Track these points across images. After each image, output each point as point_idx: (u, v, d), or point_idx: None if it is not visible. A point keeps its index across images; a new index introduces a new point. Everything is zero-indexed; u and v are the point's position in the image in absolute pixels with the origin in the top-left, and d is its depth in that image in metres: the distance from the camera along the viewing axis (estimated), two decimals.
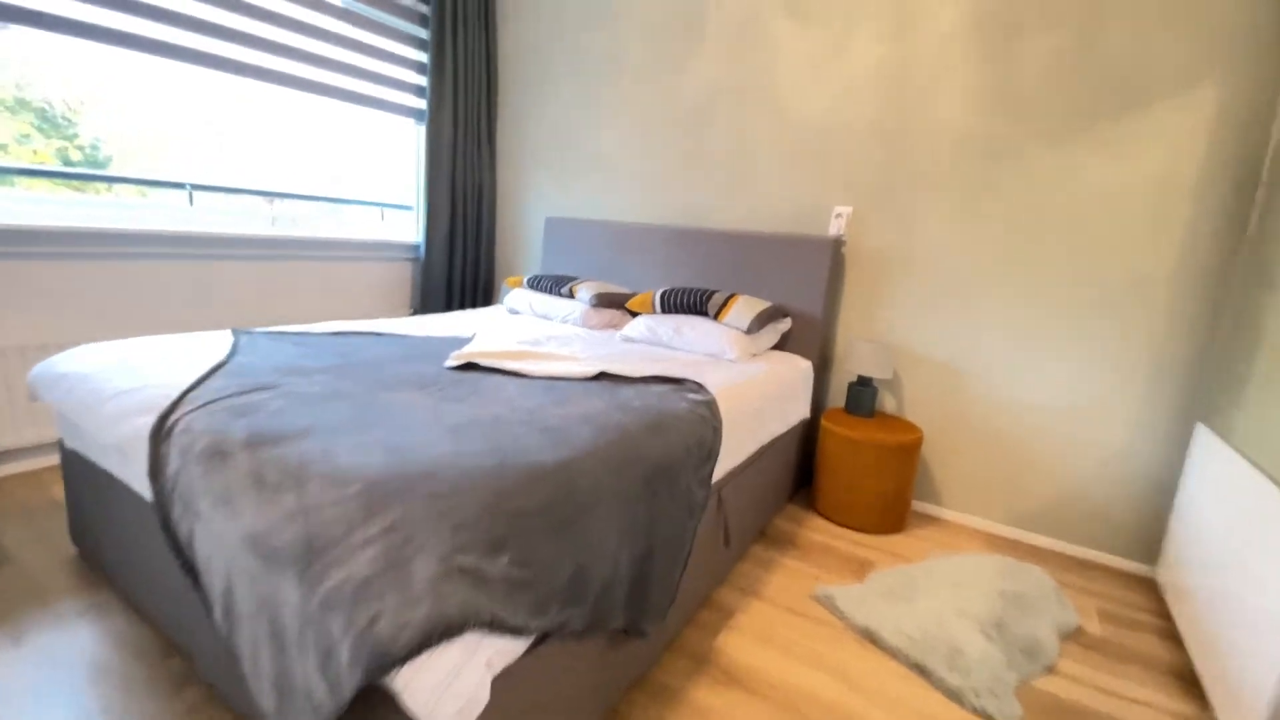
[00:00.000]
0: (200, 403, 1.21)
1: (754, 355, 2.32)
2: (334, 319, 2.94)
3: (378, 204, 3.37)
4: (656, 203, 2.99)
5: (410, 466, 1.00)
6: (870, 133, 2.46)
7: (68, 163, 2.34)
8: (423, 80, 3.17)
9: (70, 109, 2.33)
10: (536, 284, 2.87)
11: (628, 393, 1.58)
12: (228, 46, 2.46)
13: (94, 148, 2.39)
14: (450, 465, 1.02)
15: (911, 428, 2.36)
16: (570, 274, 3.13)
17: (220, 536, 0.97)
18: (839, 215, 2.54)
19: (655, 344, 2.40)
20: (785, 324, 2.51)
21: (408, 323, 2.36)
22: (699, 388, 1.69)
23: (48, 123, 2.28)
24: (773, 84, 2.63)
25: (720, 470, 1.63)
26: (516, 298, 2.91)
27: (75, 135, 2.34)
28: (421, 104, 3.19)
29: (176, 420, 1.16)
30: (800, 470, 2.58)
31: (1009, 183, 2.24)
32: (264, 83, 2.60)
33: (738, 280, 2.66)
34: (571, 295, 2.74)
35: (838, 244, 2.49)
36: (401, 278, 3.30)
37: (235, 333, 1.82)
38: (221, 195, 2.79)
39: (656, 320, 2.44)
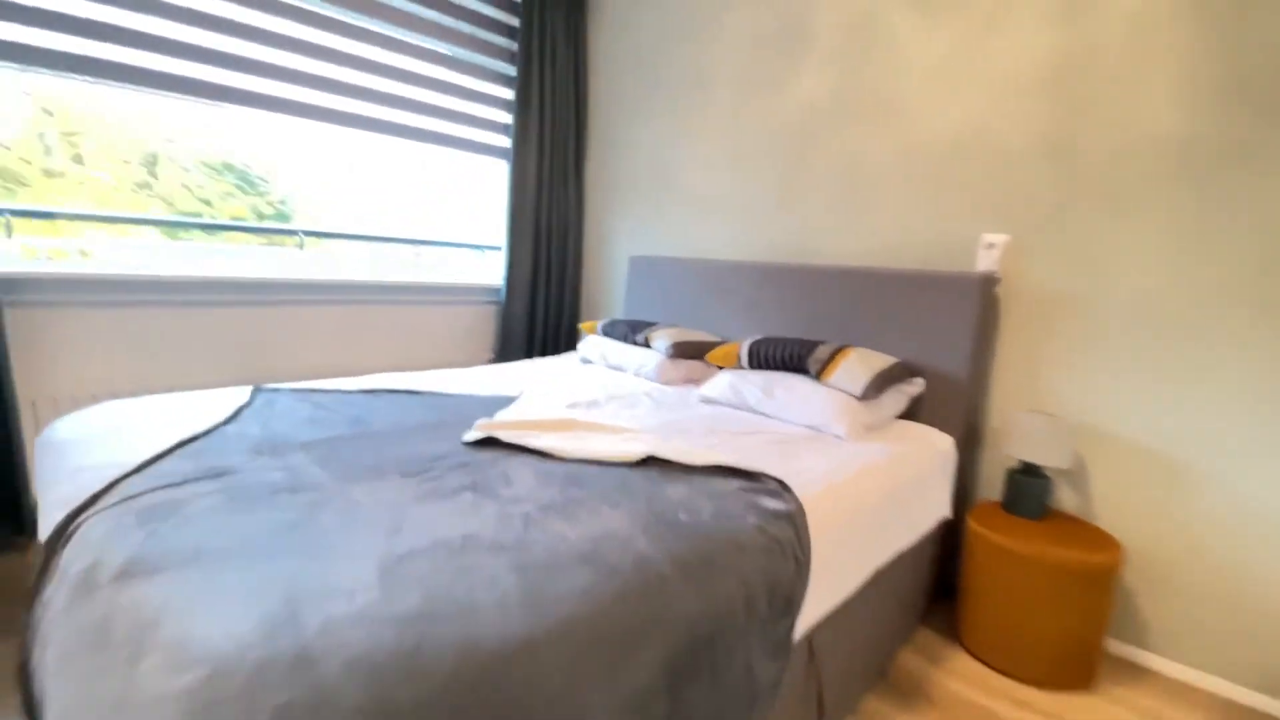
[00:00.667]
0: (120, 497, 0.97)
1: (870, 429, 1.78)
2: (414, 365, 2.78)
3: (470, 245, 3.26)
4: (752, 237, 2.56)
5: (285, 640, 0.65)
6: (1031, 144, 1.86)
7: (262, 217, 2.55)
8: (510, 118, 3.02)
9: (263, 170, 2.56)
10: (610, 330, 2.53)
11: (677, 493, 1.15)
12: (343, 100, 2.50)
13: (283, 202, 2.62)
14: (345, 642, 0.66)
15: (1105, 540, 1.67)
16: (651, 319, 2.77)
17: (61, 712, 0.69)
18: (990, 246, 1.94)
19: (739, 407, 1.94)
20: (916, 386, 1.94)
21: (455, 376, 2.11)
22: (780, 489, 1.21)
23: (247, 183, 2.48)
24: (895, 94, 2.12)
25: (810, 615, 1.13)
26: (590, 346, 2.59)
27: (268, 193, 2.56)
28: (509, 142, 3.03)
29: (81, 523, 0.92)
30: (937, 579, 1.96)
31: (1255, 198, 1.55)
32: (367, 131, 2.58)
33: (851, 328, 2.13)
34: (647, 344, 2.36)
35: (988, 282, 1.89)
36: (485, 322, 3.13)
37: (254, 390, 1.64)
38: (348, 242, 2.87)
39: (742, 378, 1.98)
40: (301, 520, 0.93)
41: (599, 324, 2.60)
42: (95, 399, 2.04)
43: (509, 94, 2.98)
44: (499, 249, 3.16)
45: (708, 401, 2.02)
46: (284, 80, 2.33)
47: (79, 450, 1.20)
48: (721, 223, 2.66)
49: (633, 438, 1.47)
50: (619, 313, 3.12)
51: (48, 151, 2.04)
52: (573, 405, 1.82)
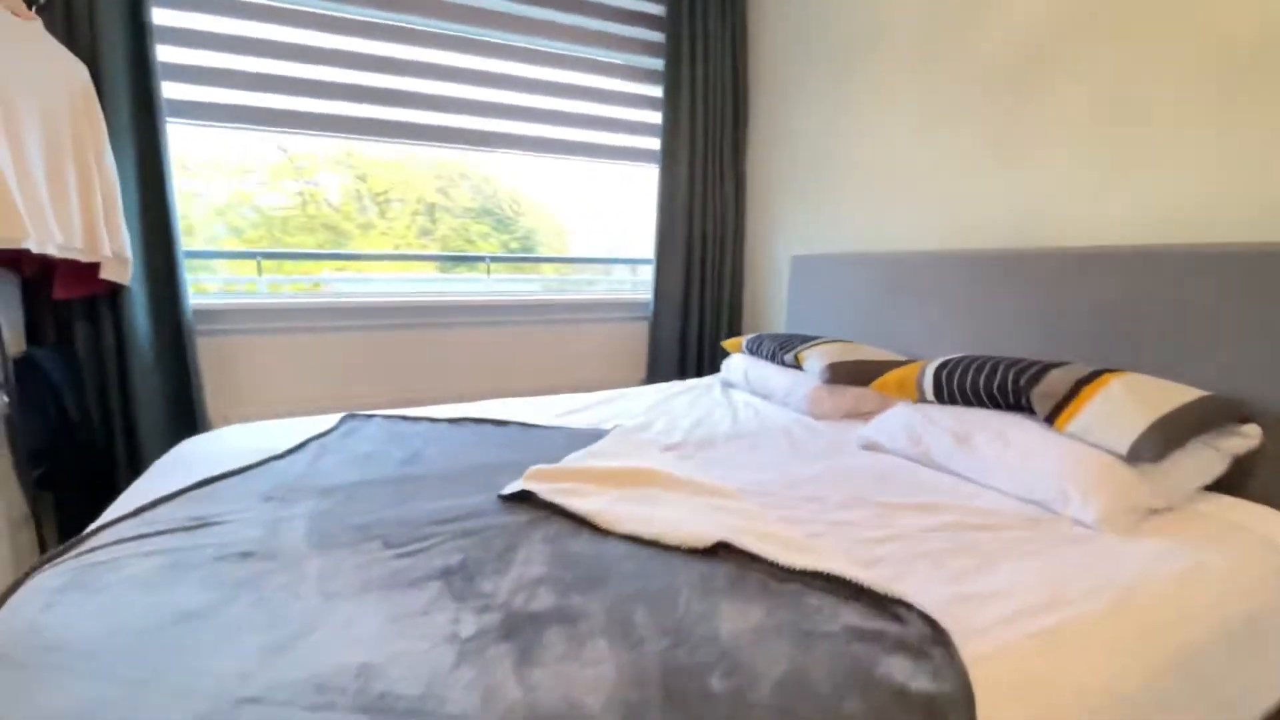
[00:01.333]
0: (89, 547, 0.87)
1: (1150, 513, 1.06)
2: (568, 386, 2.65)
3: (620, 260, 3.07)
4: (952, 217, 1.87)
5: None
6: None
7: (512, 251, 2.81)
8: (659, 117, 2.74)
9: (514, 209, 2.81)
10: (755, 347, 2.06)
11: (736, 622, 0.70)
12: (493, 123, 2.49)
13: (527, 236, 2.87)
14: None
15: None
16: (817, 332, 2.22)
17: None
18: None
19: (917, 460, 1.34)
20: (1243, 439, 1.13)
21: (563, 403, 1.86)
22: (929, 639, 0.68)
23: (501, 223, 2.78)
24: None
25: None
26: (733, 366, 2.15)
27: (517, 230, 2.83)
28: (658, 144, 2.76)
29: (38, 573, 0.83)
30: None
31: None
32: (521, 152, 2.57)
33: (1113, 344, 1.37)
34: (797, 364, 1.85)
35: None
36: (637, 340, 2.88)
37: (344, 418, 1.58)
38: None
39: (924, 417, 1.37)
40: (204, 610, 0.72)
41: (744, 340, 2.15)
42: (277, 415, 2.25)
43: (656, 91, 2.71)
44: (649, 262, 2.89)
45: (870, 448, 1.45)
46: (448, 111, 2.39)
47: (149, 479, 1.20)
48: (908, 205, 2.01)
49: (720, 505, 1.03)
50: (783, 326, 2.62)
51: (362, 209, 2.49)
52: (674, 447, 1.43)
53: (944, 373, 1.39)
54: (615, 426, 1.50)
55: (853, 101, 2.21)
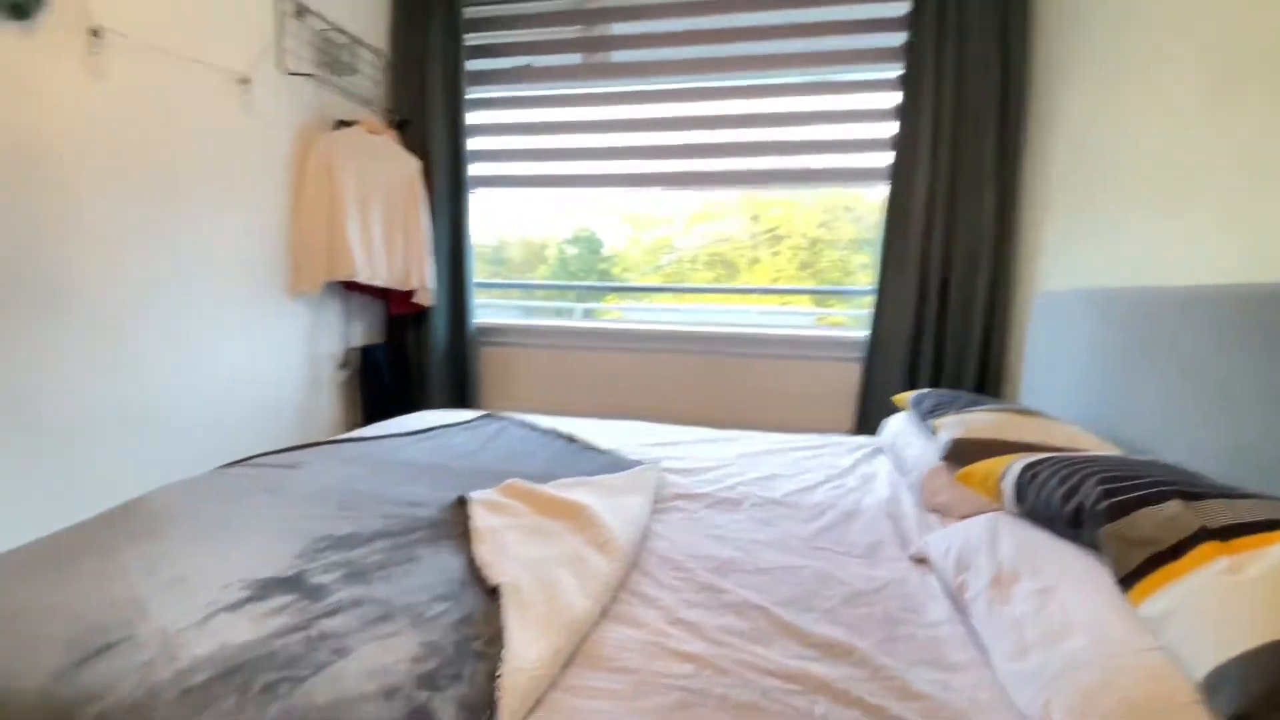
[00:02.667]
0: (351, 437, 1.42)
1: None
2: (772, 424, 2.54)
3: (832, 290, 2.74)
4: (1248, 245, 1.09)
5: None
6: None
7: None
8: (885, 130, 2.34)
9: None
10: (918, 405, 1.59)
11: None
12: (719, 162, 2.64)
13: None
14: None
15: None
16: (1051, 396, 1.58)
17: None
18: None
19: (953, 596, 0.89)
20: None
21: (675, 434, 1.83)
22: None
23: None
24: None
25: None
26: (890, 426, 1.70)
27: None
28: (887, 160, 2.35)
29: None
30: None
31: None
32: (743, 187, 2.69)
33: None
34: (934, 433, 1.37)
35: None
36: (849, 383, 2.52)
37: (483, 416, 1.95)
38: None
39: (989, 534, 0.89)
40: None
41: (911, 396, 1.68)
42: (526, 410, 2.86)
43: (886, 101, 2.33)
44: (867, 292, 2.48)
45: (918, 560, 1.02)
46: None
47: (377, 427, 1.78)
48: (1204, 220, 1.25)
49: (580, 556, 0.95)
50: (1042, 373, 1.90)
51: (755, 246, 2.95)
52: (689, 496, 1.29)
53: (1030, 473, 0.88)
54: (645, 465, 1.44)
55: (1146, 97, 1.48)
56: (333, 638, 0.75)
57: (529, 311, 3.10)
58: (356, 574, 0.91)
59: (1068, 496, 0.78)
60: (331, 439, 1.63)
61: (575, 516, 1.10)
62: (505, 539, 1.02)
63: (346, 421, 2.55)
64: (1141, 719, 0.54)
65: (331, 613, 0.80)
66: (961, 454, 1.22)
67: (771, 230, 2.87)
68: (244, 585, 0.87)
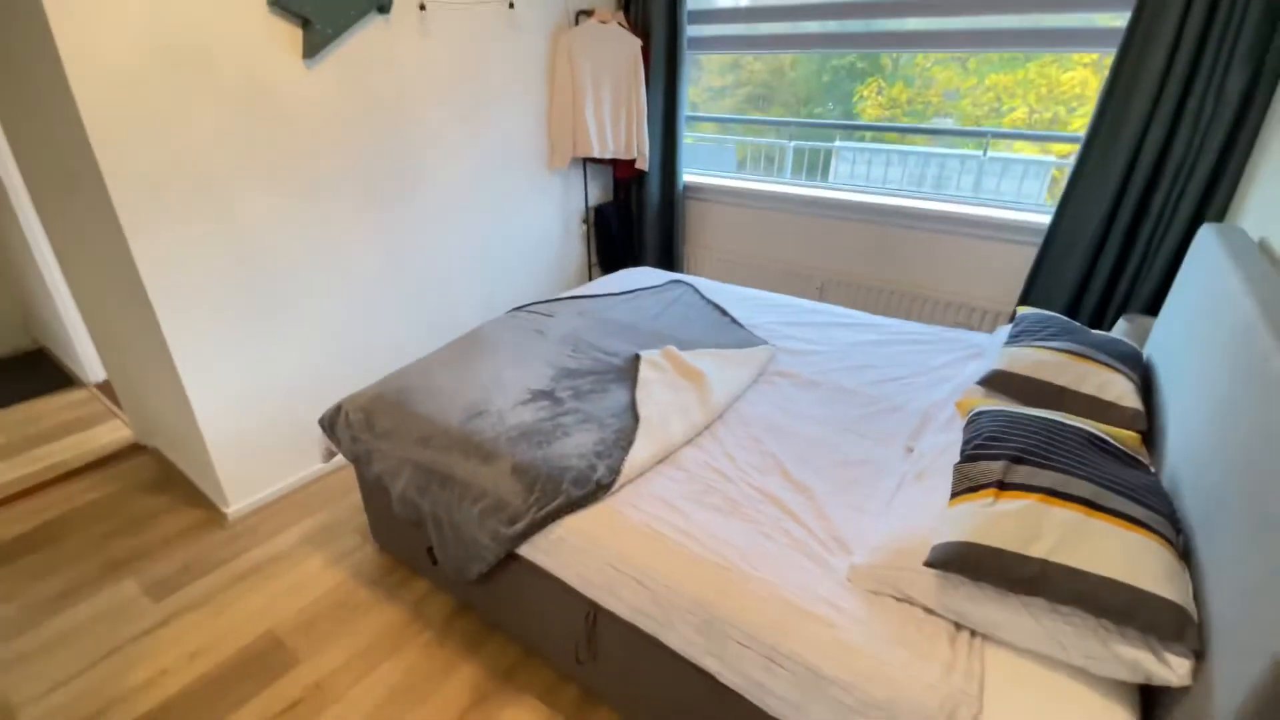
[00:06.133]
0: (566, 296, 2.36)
1: (905, 602, 1.06)
2: (939, 295, 2.79)
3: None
4: None
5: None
6: None
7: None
8: None
9: None
10: (1016, 324, 1.81)
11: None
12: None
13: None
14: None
15: None
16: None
17: None
18: None
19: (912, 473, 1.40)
20: (1161, 666, 0.85)
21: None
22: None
23: None
24: None
25: None
26: (1000, 334, 1.93)
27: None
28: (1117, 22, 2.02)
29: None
30: None
31: None
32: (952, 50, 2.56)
33: None
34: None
35: None
36: (1019, 268, 2.54)
37: (672, 280, 2.61)
38: None
39: (939, 445, 1.35)
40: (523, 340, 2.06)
41: (1023, 310, 1.87)
42: (720, 260, 3.47)
43: None
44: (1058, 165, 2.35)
45: (910, 450, 1.50)
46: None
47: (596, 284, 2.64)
48: None
49: (687, 400, 1.66)
50: None
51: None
52: (785, 374, 1.88)
53: (975, 416, 1.29)
54: (763, 346, 2.01)
55: None
56: (562, 427, 1.60)
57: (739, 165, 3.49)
58: (577, 394, 1.76)
59: (968, 440, 1.22)
60: (572, 294, 2.49)
61: (696, 380, 1.79)
62: (652, 388, 1.76)
63: (587, 260, 3.47)
64: (900, 558, 1.10)
65: (565, 414, 1.66)
66: (995, 382, 1.56)
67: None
68: (527, 391, 1.77)
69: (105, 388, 2.95)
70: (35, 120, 1.84)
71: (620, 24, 2.89)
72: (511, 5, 2.55)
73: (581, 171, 3.24)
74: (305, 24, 1.92)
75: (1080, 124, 2.08)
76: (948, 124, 2.91)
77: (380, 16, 2.14)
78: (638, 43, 2.93)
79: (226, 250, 1.91)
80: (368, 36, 2.13)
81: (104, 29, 1.55)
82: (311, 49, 1.95)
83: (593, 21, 2.79)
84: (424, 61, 2.34)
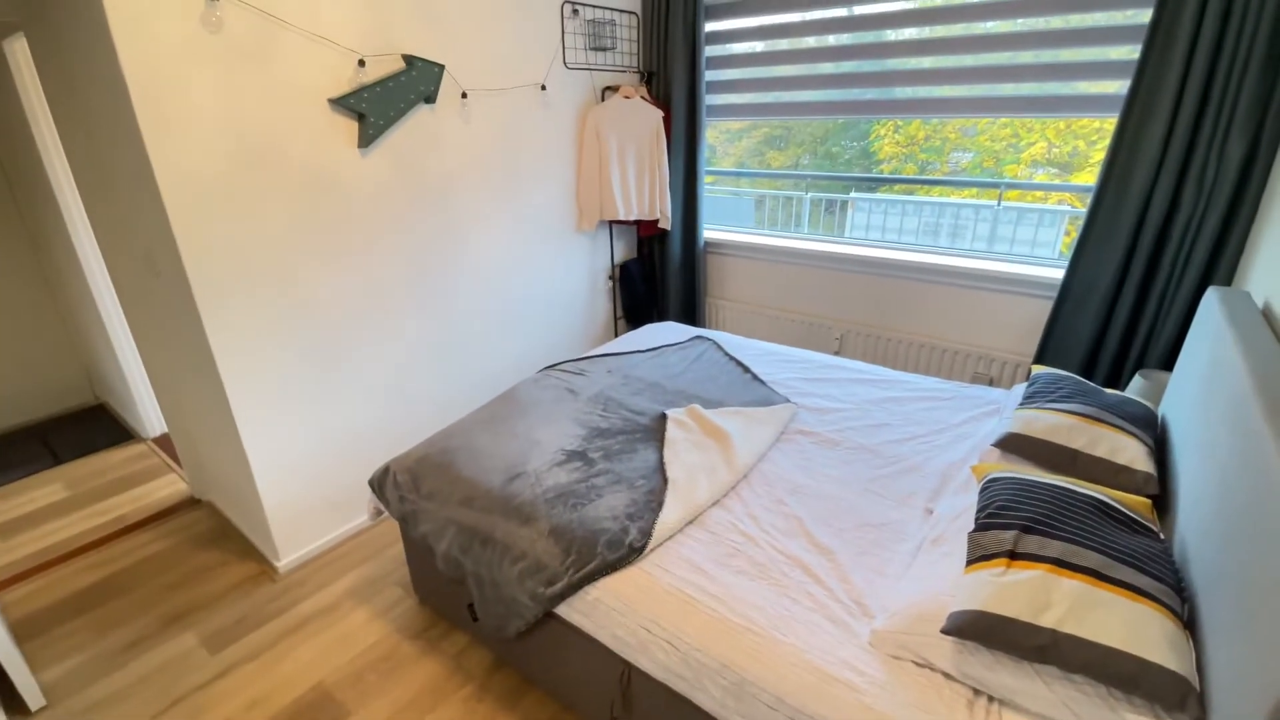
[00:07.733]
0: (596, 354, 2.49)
1: (925, 668, 1.11)
2: (953, 345, 2.86)
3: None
4: None
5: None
6: None
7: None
8: (1129, 52, 2.10)
9: None
10: (1031, 384, 1.87)
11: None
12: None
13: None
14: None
15: None
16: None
17: None
18: None
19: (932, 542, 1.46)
20: None
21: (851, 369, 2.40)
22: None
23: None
24: None
25: None
26: (1016, 393, 2.00)
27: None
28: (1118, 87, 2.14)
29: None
30: None
31: None
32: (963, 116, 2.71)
33: None
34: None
35: None
36: (1036, 320, 2.61)
37: (694, 337, 2.73)
38: None
39: (956, 509, 1.41)
40: (559, 398, 2.19)
41: (1038, 370, 1.93)
42: (741, 310, 3.59)
43: (1134, 17, 2.08)
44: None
45: (930, 513, 1.56)
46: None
47: (621, 341, 2.78)
48: None
49: (713, 464, 1.75)
50: None
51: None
52: (805, 433, 1.96)
53: (989, 482, 1.36)
54: (785, 405, 2.10)
55: None
56: (595, 488, 1.70)
57: (758, 213, 3.64)
58: (607, 454, 1.86)
59: (982, 508, 1.29)
60: (600, 352, 2.62)
61: (721, 440, 1.88)
62: (679, 448, 1.85)
63: (613, 314, 3.62)
64: (919, 623, 1.16)
65: (597, 475, 1.76)
66: (1010, 445, 1.63)
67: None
68: (561, 452, 1.88)
69: (161, 441, 3.14)
70: (116, 205, 2.07)
71: (644, 98, 3.10)
72: (544, 88, 2.77)
73: (608, 231, 3.41)
74: (360, 118, 2.13)
75: (1100, 156, 2.19)
76: (966, 159, 3.07)
77: (426, 106, 2.36)
78: (659, 114, 3.14)
79: (288, 322, 2.09)
80: (415, 123, 2.34)
81: (190, 141, 1.76)
82: (366, 140, 2.16)
83: (618, 97, 3.00)
84: (465, 142, 2.55)
